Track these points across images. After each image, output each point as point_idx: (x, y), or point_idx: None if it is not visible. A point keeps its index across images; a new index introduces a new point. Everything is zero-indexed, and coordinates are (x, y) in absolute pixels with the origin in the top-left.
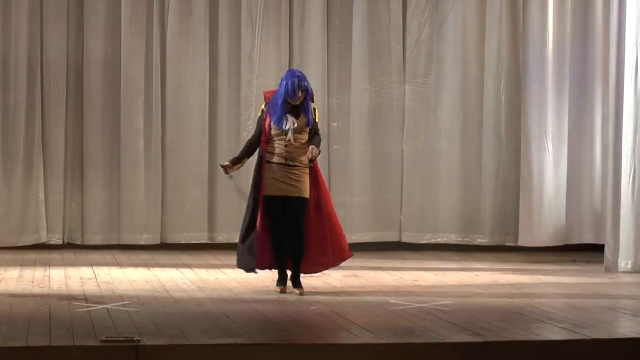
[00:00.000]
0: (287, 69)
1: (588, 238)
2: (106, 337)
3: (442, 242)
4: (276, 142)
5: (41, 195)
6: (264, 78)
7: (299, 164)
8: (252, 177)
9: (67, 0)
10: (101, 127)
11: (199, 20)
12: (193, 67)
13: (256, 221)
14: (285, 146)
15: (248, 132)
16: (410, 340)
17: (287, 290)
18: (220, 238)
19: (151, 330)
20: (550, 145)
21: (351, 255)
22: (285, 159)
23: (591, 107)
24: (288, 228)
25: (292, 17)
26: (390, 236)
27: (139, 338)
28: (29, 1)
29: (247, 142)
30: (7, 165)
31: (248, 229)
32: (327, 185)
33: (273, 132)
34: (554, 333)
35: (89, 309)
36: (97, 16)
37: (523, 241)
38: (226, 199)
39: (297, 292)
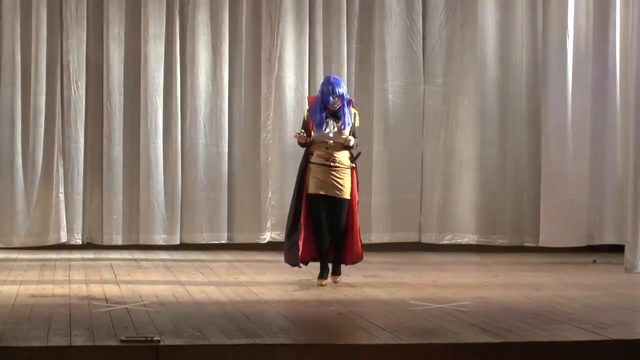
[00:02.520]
0: (307, 70)
1: (609, 239)
2: (126, 337)
3: (462, 242)
4: (319, 143)
5: (61, 196)
6: (284, 79)
7: (340, 165)
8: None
9: (87, 1)
10: (121, 128)
11: (219, 22)
12: (213, 69)
13: (300, 218)
14: (327, 148)
15: (267, 132)
16: (429, 340)
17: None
18: (240, 238)
19: (171, 330)
20: (570, 145)
21: (358, 261)
22: (326, 160)
23: (612, 106)
24: (330, 227)
25: (312, 18)
26: (410, 237)
27: (158, 338)
28: (49, 3)
29: None
30: (27, 166)
31: (292, 226)
32: None
33: (315, 135)
34: (574, 334)
35: (109, 309)
36: (117, 17)
37: (544, 242)
38: (245, 199)
39: (332, 279)
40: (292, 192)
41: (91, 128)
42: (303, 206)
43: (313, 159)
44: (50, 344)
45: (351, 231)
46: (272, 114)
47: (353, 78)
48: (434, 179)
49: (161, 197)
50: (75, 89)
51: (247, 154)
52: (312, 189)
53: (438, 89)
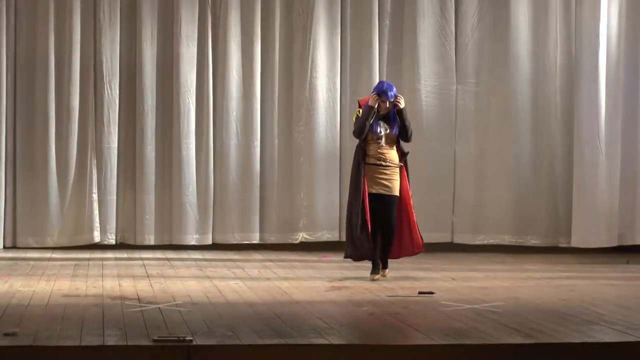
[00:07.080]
0: (339, 70)
1: None
2: (158, 337)
3: (495, 243)
4: (371, 144)
5: (95, 196)
6: (316, 79)
7: (390, 164)
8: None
9: (120, 2)
10: (154, 128)
11: (251, 22)
12: (245, 69)
13: (366, 215)
14: (378, 148)
15: (299, 133)
16: (461, 341)
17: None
18: (272, 239)
19: (203, 330)
20: (603, 145)
21: (420, 251)
22: (378, 160)
23: None
24: (380, 222)
25: (344, 18)
26: (442, 237)
27: (191, 338)
28: (83, 4)
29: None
30: (61, 166)
31: (362, 224)
32: None
33: (368, 136)
34: (606, 335)
35: (142, 308)
36: (150, 18)
37: (576, 242)
38: (277, 200)
39: (381, 272)
40: (349, 191)
41: (124, 128)
42: (365, 204)
43: (367, 159)
44: (83, 343)
45: (407, 225)
46: (304, 114)
47: (385, 78)
48: (466, 179)
49: (193, 198)
50: (109, 90)
51: (279, 155)
52: (369, 188)
53: (470, 89)
